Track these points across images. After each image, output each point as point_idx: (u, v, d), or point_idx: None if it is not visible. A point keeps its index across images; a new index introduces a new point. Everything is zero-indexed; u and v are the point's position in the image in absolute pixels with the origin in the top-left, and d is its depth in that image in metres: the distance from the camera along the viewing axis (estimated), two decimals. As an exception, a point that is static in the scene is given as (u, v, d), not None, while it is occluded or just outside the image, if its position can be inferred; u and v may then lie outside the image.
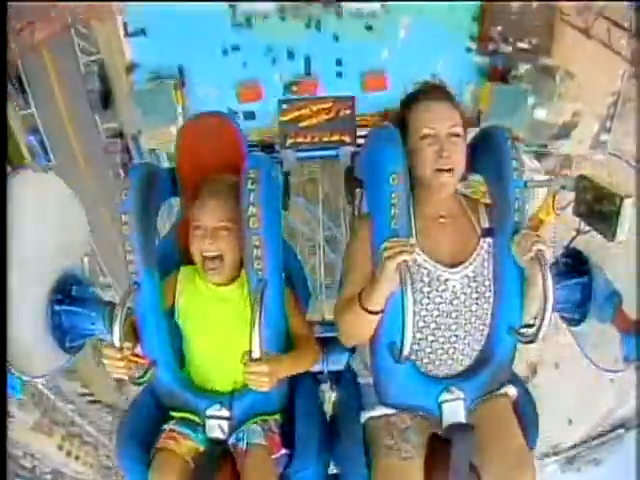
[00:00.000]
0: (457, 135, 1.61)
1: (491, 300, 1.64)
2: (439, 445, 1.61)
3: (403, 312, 1.39)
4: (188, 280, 1.74)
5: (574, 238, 2.00)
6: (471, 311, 1.62)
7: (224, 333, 1.70)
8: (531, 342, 1.59)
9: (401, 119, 1.66)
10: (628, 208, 1.74)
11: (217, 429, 1.66)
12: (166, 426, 1.69)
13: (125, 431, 1.69)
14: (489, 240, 1.65)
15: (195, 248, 1.69)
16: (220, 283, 1.73)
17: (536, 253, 1.50)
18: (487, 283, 1.63)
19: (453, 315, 1.61)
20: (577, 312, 1.97)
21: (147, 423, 1.71)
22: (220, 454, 1.64)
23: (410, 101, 1.67)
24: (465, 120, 1.65)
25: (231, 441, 1.67)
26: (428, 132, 1.61)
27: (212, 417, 1.66)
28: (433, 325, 1.61)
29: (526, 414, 1.72)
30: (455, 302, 1.61)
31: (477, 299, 1.62)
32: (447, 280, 1.60)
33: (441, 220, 1.65)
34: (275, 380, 1.53)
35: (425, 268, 1.60)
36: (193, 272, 1.75)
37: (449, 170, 1.59)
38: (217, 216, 1.67)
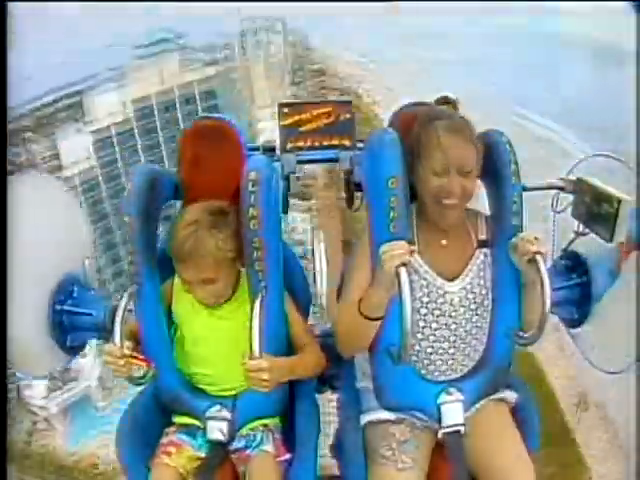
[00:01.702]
0: (468, 172, 1.56)
1: (489, 308, 1.64)
2: (439, 457, 1.63)
3: (401, 314, 1.40)
4: (183, 290, 1.72)
5: (573, 240, 2.01)
6: (471, 322, 1.63)
7: (219, 345, 1.70)
8: (530, 344, 1.60)
9: (413, 134, 1.62)
10: (626, 210, 1.76)
11: (217, 431, 1.67)
12: (164, 439, 1.69)
13: (125, 430, 1.70)
14: (485, 250, 1.66)
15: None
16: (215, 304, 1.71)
17: (534, 255, 1.51)
18: (484, 292, 1.64)
19: (452, 327, 1.62)
20: (577, 313, 1.97)
21: (147, 422, 1.72)
22: (220, 458, 1.65)
23: (428, 124, 1.60)
24: (480, 152, 1.60)
25: (234, 446, 1.68)
26: (438, 169, 1.55)
27: (212, 418, 1.67)
28: (432, 338, 1.62)
29: (526, 419, 1.73)
30: (454, 314, 1.61)
31: (476, 309, 1.63)
32: (446, 293, 1.61)
33: (443, 242, 1.65)
34: (275, 381, 1.54)
35: (425, 279, 1.61)
36: None
37: (454, 204, 1.56)
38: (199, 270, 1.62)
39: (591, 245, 1.95)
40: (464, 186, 1.56)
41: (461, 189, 1.55)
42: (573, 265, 2.00)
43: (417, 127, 1.62)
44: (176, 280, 1.74)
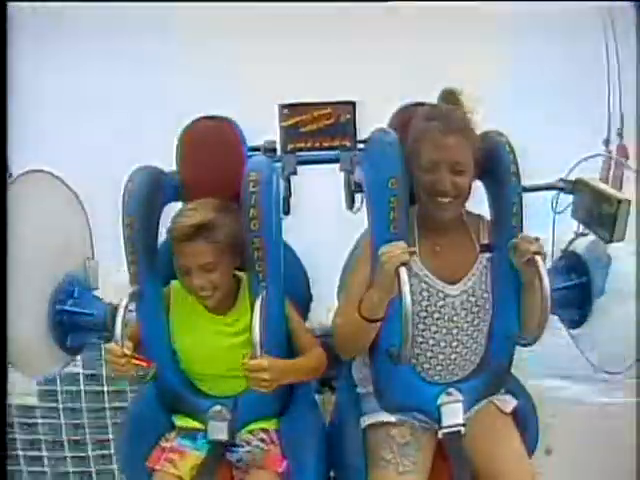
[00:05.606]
0: (461, 171, 1.54)
1: (490, 311, 1.64)
2: (439, 458, 1.63)
3: (402, 314, 1.40)
4: (180, 296, 1.71)
5: (573, 241, 2.02)
6: (473, 325, 1.63)
7: (217, 352, 1.68)
8: (530, 344, 1.60)
9: (409, 134, 1.62)
10: (626, 211, 1.76)
11: (218, 431, 1.67)
12: (165, 443, 1.68)
13: (126, 432, 1.70)
14: (488, 255, 1.65)
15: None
16: (215, 311, 1.69)
17: (533, 255, 1.50)
18: (485, 295, 1.64)
19: (453, 332, 1.61)
20: (576, 314, 1.98)
21: (148, 424, 1.72)
22: (219, 459, 1.65)
23: (422, 123, 1.59)
24: (476, 151, 1.58)
25: (233, 452, 1.67)
26: (429, 166, 1.55)
27: (213, 418, 1.67)
28: (432, 341, 1.61)
29: (526, 420, 1.73)
30: (455, 318, 1.61)
31: (477, 312, 1.63)
32: (446, 296, 1.60)
33: (443, 245, 1.64)
34: (276, 382, 1.53)
35: (425, 282, 1.60)
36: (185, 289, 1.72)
37: (447, 202, 1.56)
38: (202, 257, 1.58)
39: (591, 246, 1.96)
40: (455, 182, 1.54)
41: (452, 186, 1.54)
42: (573, 265, 2.00)
43: (413, 127, 1.62)
44: (173, 284, 1.73)
